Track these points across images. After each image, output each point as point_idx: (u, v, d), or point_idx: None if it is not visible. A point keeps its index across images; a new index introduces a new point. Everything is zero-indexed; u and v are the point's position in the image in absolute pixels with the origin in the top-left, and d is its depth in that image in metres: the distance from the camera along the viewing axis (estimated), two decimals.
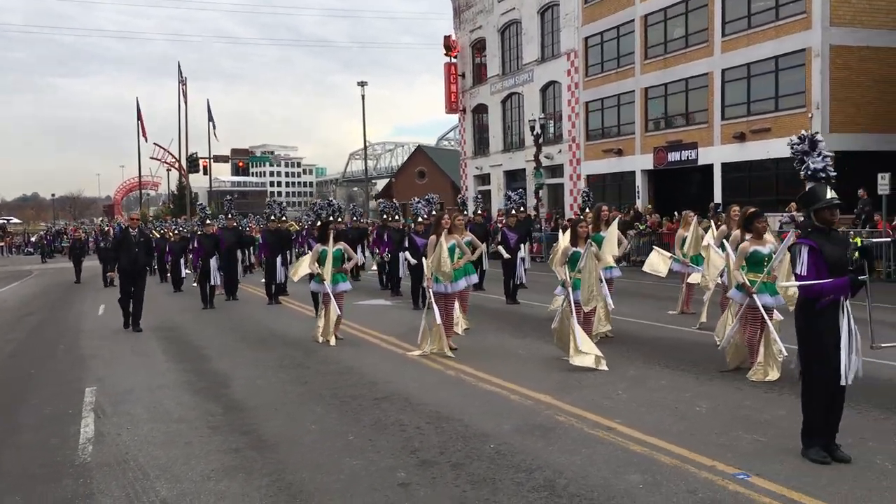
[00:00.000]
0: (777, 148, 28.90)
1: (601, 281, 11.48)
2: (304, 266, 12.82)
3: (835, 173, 6.15)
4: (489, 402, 8.07)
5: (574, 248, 10.02)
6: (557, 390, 8.41)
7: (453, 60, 49.37)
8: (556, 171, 42.04)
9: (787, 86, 28.88)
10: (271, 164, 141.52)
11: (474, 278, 13.15)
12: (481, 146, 48.98)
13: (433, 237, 11.22)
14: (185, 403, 8.48)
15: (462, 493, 5.47)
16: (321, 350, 11.56)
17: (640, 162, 36.08)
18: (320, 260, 12.37)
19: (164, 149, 69.41)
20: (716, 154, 31.75)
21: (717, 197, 31.16)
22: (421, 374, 9.60)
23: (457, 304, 12.72)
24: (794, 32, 28.03)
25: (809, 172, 6.04)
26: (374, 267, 21.98)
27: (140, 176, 66.70)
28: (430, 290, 11.08)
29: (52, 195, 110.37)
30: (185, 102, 58.74)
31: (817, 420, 5.91)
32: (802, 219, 24.90)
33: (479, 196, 22.80)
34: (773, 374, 8.53)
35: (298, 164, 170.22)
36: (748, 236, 8.96)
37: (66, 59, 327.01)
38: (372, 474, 5.90)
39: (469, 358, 10.44)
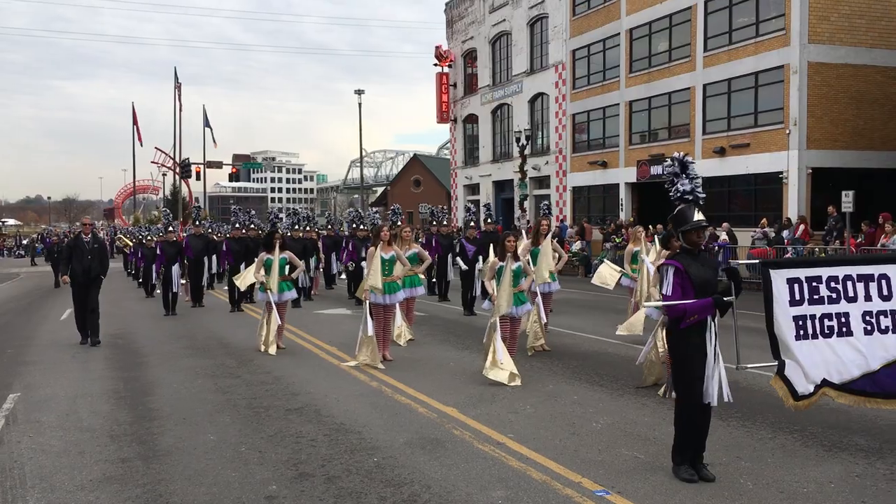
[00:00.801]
0: (756, 163, 29.11)
1: (537, 295, 11.59)
2: (250, 275, 12.90)
3: (703, 195, 6.23)
4: (396, 415, 8.14)
5: (501, 263, 10.09)
6: (468, 404, 8.49)
7: (445, 70, 49.56)
8: (543, 182, 42.16)
9: (766, 102, 28.95)
10: (264, 171, 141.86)
11: (420, 290, 13.26)
12: (471, 156, 49.11)
13: (371, 249, 11.32)
14: (99, 412, 8.55)
15: None
16: (258, 359, 11.63)
17: (623, 175, 36.16)
18: (266, 268, 12.47)
19: (165, 153, 69.80)
20: (697, 168, 31.64)
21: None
22: (343, 385, 9.67)
23: (400, 315, 12.84)
24: (773, 49, 28.11)
25: (678, 194, 6.12)
26: (343, 276, 22.10)
27: (135, 180, 66.90)
28: (366, 302, 11.16)
29: (48, 198, 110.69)
30: (181, 108, 58.99)
31: (685, 439, 5.98)
32: (774, 235, 25.03)
33: (443, 208, 22.78)
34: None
35: (299, 171, 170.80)
36: (663, 253, 9.06)
37: (68, 63, 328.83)
38: (244, 486, 5.97)
39: (397, 369, 10.53)
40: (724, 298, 5.88)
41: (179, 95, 59.15)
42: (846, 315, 6.09)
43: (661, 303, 6.03)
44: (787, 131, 27.80)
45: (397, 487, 5.88)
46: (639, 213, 35.74)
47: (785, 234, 25.44)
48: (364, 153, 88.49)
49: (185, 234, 19.68)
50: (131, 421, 8.13)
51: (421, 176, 68.85)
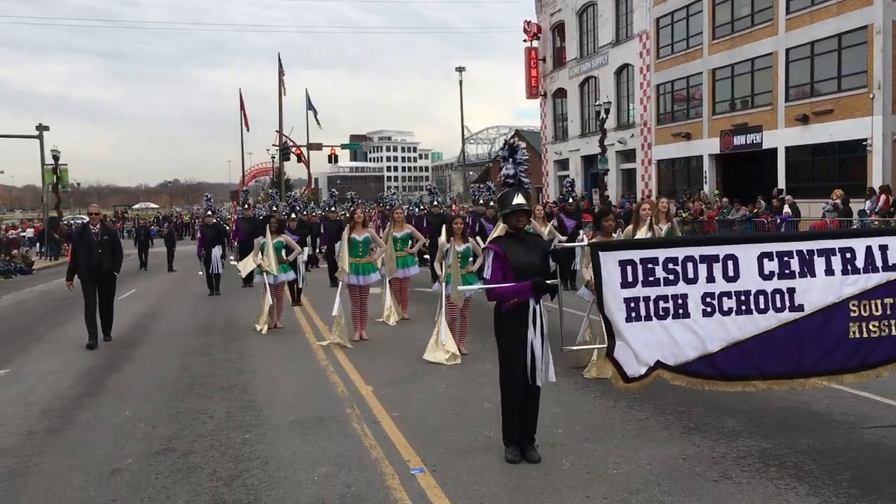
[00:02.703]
0: (839, 130, 27.57)
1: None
2: (250, 262, 13.44)
3: (527, 180, 6.18)
4: (312, 394, 8.41)
5: (448, 245, 10.17)
6: (389, 384, 8.68)
7: (533, 45, 49.07)
8: (630, 155, 41.30)
9: (849, 65, 27.43)
10: (380, 151, 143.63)
11: (413, 270, 13.47)
12: (561, 131, 48.55)
13: (346, 230, 11.62)
14: (55, 387, 9.19)
15: (154, 479, 5.88)
16: (248, 339, 12.17)
17: (707, 146, 34.99)
18: (263, 252, 12.99)
19: (286, 136, 72.28)
20: (780, 137, 30.43)
21: (781, 183, 29.98)
22: (294, 365, 10.02)
23: (389, 296, 13.12)
24: (855, 8, 26.56)
25: (503, 178, 6.09)
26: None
27: (243, 164, 69.77)
28: (342, 282, 11.49)
29: (168, 182, 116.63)
30: (284, 93, 60.91)
31: (508, 421, 6.01)
32: (843, 207, 23.70)
33: (435, 187, 22.40)
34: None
35: (414, 149, 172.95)
36: (612, 232, 8.98)
37: (206, 52, 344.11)
38: (106, 459, 6.37)
39: (361, 349, 10.85)
40: (548, 282, 5.85)
41: (283, 82, 61.01)
42: (683, 297, 5.91)
43: (477, 286, 6.06)
44: (871, 95, 26.22)
45: (237, 464, 6.17)
46: (723, 185, 34.54)
47: (867, 205, 24.04)
48: (468, 131, 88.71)
49: (236, 217, 20.42)
50: (74, 396, 8.74)
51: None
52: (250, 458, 6.30)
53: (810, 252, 6.13)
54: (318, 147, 56.86)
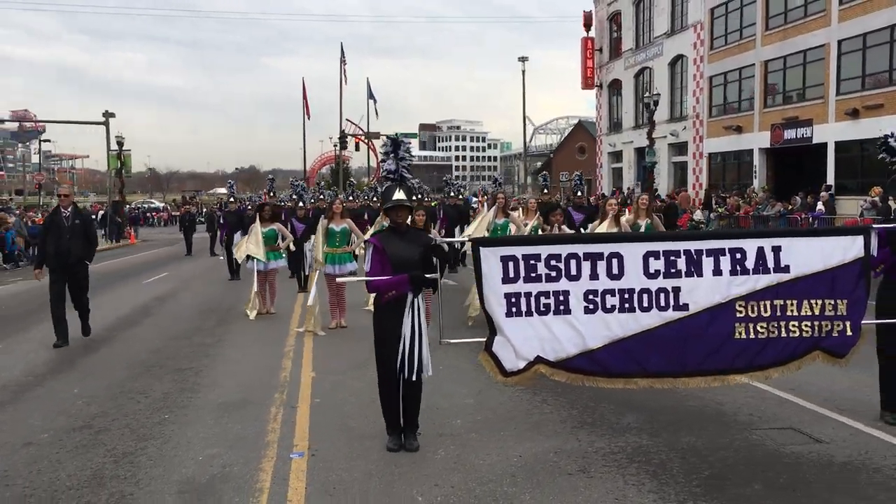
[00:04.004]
0: (890, 125, 26.54)
1: None
2: (244, 246, 13.83)
3: (409, 176, 6.29)
4: (254, 377, 8.69)
5: (330, 226, 11.34)
6: (335, 371, 8.91)
7: (590, 35, 48.57)
8: (682, 148, 40.59)
9: None
10: (449, 140, 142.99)
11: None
12: (615, 123, 47.98)
13: (323, 221, 11.91)
14: (31, 362, 9.77)
15: (55, 453, 6.24)
16: (235, 323, 12.60)
17: (758, 140, 34.14)
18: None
19: (355, 124, 73.34)
20: (829, 132, 29.51)
21: (830, 178, 29.12)
22: (257, 351, 10.35)
23: None
24: None
25: (384, 173, 6.22)
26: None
27: (304, 151, 71.37)
28: (317, 272, 11.80)
29: (237, 168, 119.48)
30: (346, 81, 61.89)
31: (386, 411, 6.18)
32: (881, 204, 22.91)
33: (447, 178, 22.16)
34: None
35: (483, 139, 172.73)
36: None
37: (277, 40, 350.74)
38: (27, 432, 6.78)
39: (332, 336, 11.25)
40: (427, 276, 5.99)
41: (344, 71, 61.92)
42: (566, 293, 5.97)
43: (356, 278, 6.23)
44: None
45: (139, 442, 6.46)
46: (773, 180, 33.70)
47: None
48: (532, 123, 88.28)
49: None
50: (41, 373, 9.21)
51: (585, 143, 67.76)
52: (154, 437, 6.62)
53: (698, 252, 6.12)
54: (377, 136, 57.55)
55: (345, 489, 5.34)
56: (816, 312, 6.16)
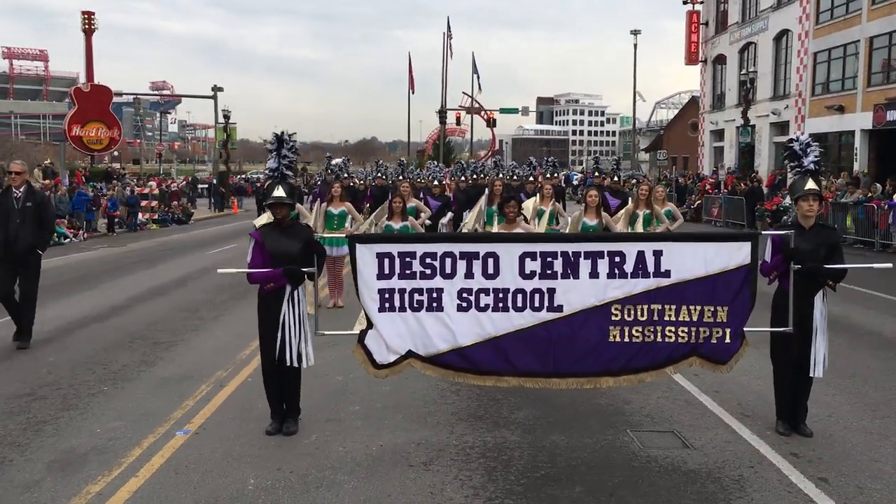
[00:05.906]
0: None
1: None
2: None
3: (290, 173, 6.50)
4: (215, 354, 9.16)
5: (328, 208, 11.86)
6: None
7: (696, 8, 46.87)
8: (784, 128, 38.77)
9: None
10: (567, 114, 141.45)
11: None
12: (718, 100, 46.25)
13: (324, 204, 12.29)
14: (35, 331, 10.60)
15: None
16: (244, 298, 13.09)
17: (860, 120, 32.25)
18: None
19: (470, 97, 73.82)
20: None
21: None
22: (243, 329, 10.68)
23: None
24: None
25: (267, 170, 6.47)
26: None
27: (409, 125, 72.16)
28: None
29: (345, 141, 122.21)
30: (451, 55, 62.24)
31: (269, 396, 6.51)
32: None
33: (460, 161, 21.71)
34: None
35: (602, 113, 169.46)
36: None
37: (407, 14, 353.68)
38: None
39: (321, 316, 11.46)
40: (303, 269, 6.25)
41: (451, 46, 62.24)
42: (439, 291, 6.10)
43: (235, 270, 6.55)
44: None
45: (59, 412, 7.03)
46: (876, 163, 31.80)
47: None
48: (640, 97, 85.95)
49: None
50: (41, 340, 9.95)
51: (699, 119, 65.56)
52: (77, 408, 7.18)
53: (576, 254, 6.12)
54: (478, 111, 57.82)
55: (193, 469, 5.69)
56: (695, 318, 6.07)
